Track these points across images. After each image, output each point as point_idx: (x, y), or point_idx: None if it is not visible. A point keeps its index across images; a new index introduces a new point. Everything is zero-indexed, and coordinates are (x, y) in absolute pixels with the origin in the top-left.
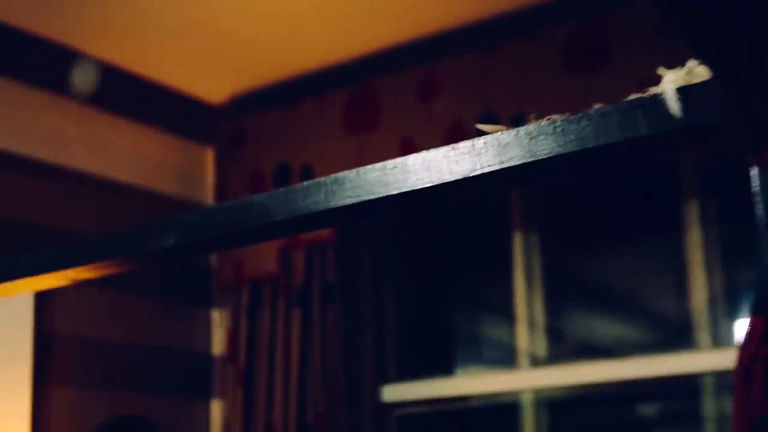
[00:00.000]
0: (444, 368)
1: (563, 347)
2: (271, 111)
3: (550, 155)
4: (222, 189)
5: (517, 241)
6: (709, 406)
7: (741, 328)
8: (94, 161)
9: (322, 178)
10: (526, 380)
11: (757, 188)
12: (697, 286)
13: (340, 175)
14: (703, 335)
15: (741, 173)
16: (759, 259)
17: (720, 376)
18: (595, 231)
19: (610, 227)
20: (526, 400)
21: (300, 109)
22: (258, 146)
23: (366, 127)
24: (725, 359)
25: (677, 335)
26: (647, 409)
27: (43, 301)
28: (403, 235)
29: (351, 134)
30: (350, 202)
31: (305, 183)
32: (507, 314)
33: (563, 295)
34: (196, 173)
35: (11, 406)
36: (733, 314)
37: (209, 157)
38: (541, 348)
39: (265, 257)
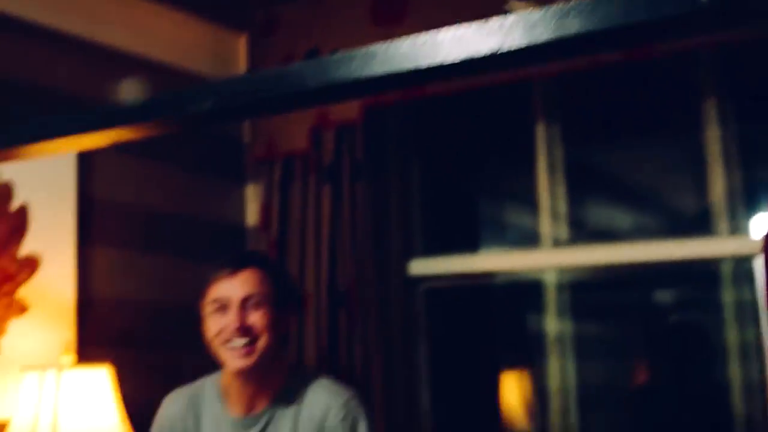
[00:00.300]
0: (469, 246)
1: (584, 232)
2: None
3: (578, 33)
4: None
5: (540, 131)
6: (727, 293)
7: (758, 220)
8: (132, 41)
9: (355, 50)
10: (548, 259)
11: None
12: (715, 180)
13: (372, 48)
14: (721, 223)
15: (760, 71)
16: None
17: (737, 262)
18: (616, 124)
19: (631, 121)
20: (549, 280)
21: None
22: (289, 34)
23: (394, 19)
24: (742, 246)
25: (696, 224)
26: (664, 295)
27: (84, 167)
28: (429, 121)
29: (380, 26)
30: (380, 74)
31: (338, 54)
32: (530, 201)
33: (584, 184)
34: (230, 59)
35: (58, 264)
36: (750, 207)
37: (243, 43)
38: (563, 232)
39: (296, 134)
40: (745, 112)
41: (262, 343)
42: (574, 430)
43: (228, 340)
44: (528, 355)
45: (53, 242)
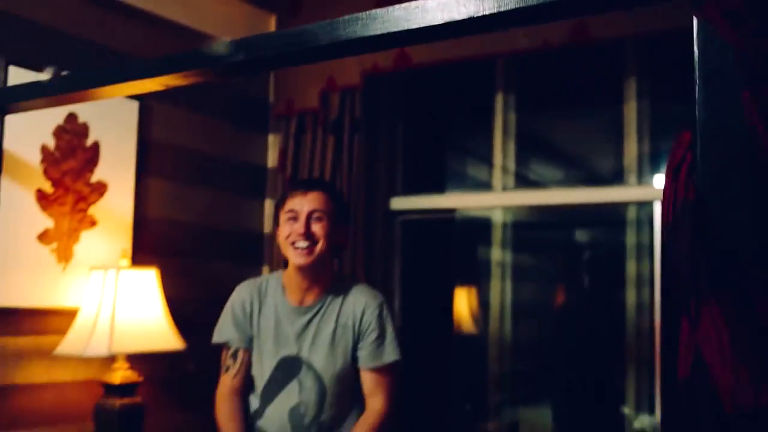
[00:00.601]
0: (437, 188)
1: (526, 183)
2: None
3: (538, 3)
4: None
5: (499, 100)
6: (630, 235)
7: (659, 178)
8: (185, 16)
9: (360, 13)
10: (497, 200)
11: (697, 37)
12: (630, 144)
13: (374, 11)
14: (631, 178)
15: (674, 59)
16: (694, 95)
17: (640, 206)
18: (557, 97)
19: (569, 95)
20: (496, 219)
21: None
22: (312, 15)
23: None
24: (646, 194)
25: (612, 179)
26: (582, 235)
27: (143, 115)
28: (414, 88)
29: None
30: (380, 33)
31: (346, 17)
32: (486, 156)
33: (529, 145)
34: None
35: (120, 189)
36: (654, 168)
37: (273, 22)
38: (510, 182)
39: (309, 96)
40: (658, 93)
41: (319, 247)
42: (508, 334)
43: (294, 242)
44: (476, 276)
45: (118, 172)
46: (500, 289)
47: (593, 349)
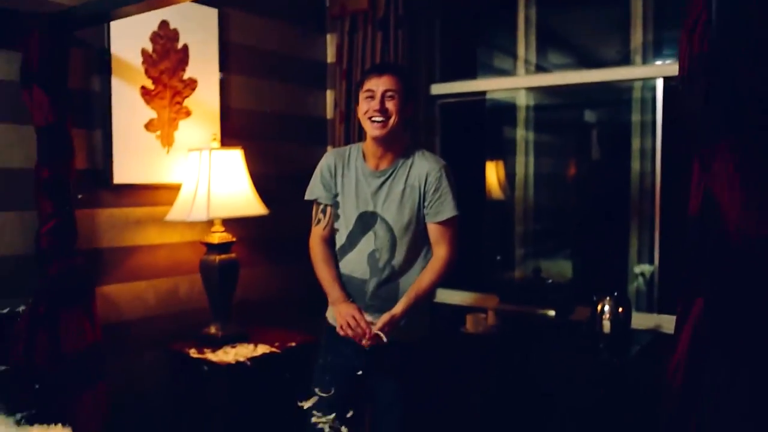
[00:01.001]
0: (470, 75)
1: (547, 67)
2: None
3: None
4: None
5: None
6: (635, 113)
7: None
8: None
9: None
10: (522, 81)
11: None
12: (636, 32)
13: None
14: (637, 60)
15: None
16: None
17: (646, 87)
18: None
19: None
20: (520, 102)
21: None
22: None
23: None
24: (649, 71)
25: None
26: (591, 115)
27: (223, 21)
28: None
29: None
30: None
31: None
32: (511, 50)
33: (548, 36)
34: None
35: (208, 84)
36: (657, 54)
37: None
38: (531, 70)
39: None
40: None
41: (392, 121)
42: (530, 198)
43: (371, 117)
44: (503, 151)
45: (205, 70)
46: (524, 162)
47: (602, 211)
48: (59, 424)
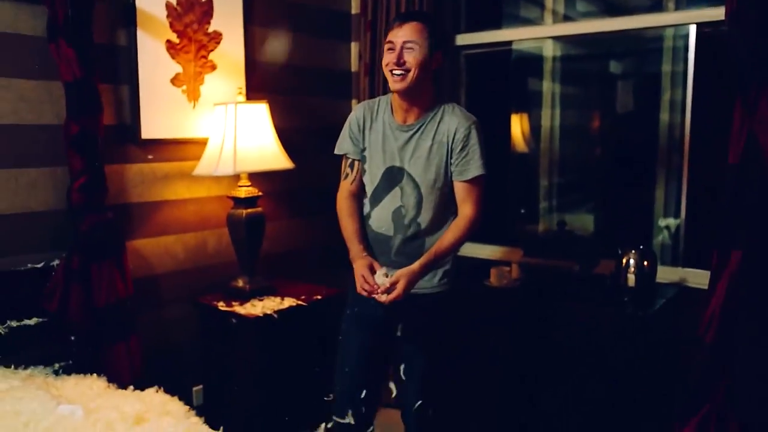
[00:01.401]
0: (495, 25)
1: (574, 16)
2: None
3: None
4: None
5: None
6: (666, 63)
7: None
8: None
9: None
10: (548, 30)
11: None
12: None
13: None
14: (670, 4)
15: None
16: None
17: (677, 30)
18: None
19: None
20: (546, 53)
21: None
22: None
23: None
24: (681, 17)
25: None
26: (617, 66)
27: None
28: None
29: None
30: None
31: None
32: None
33: None
34: None
35: (232, 38)
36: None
37: None
38: (560, 18)
39: None
40: None
41: (411, 74)
42: (556, 151)
43: (391, 70)
44: (527, 104)
45: (229, 23)
46: (549, 115)
47: (627, 164)
48: (94, 374)
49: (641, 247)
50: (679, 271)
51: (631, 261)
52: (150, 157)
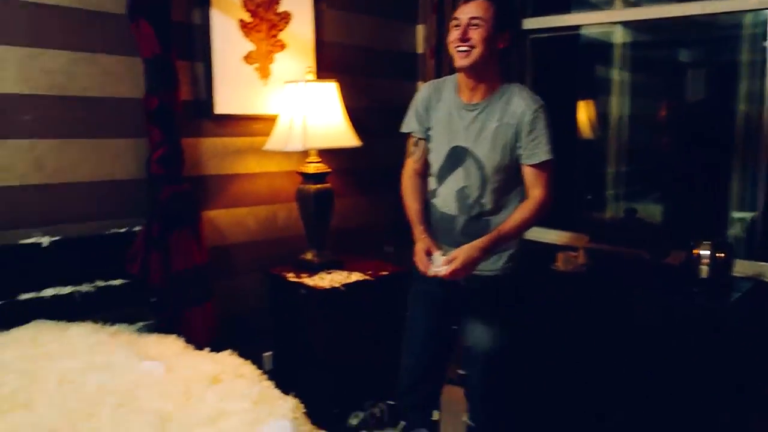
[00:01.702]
0: (563, 9)
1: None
2: None
3: None
4: None
5: None
6: (744, 52)
7: None
8: None
9: None
10: (619, 15)
11: None
12: None
13: None
14: None
15: None
16: None
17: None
18: None
19: None
20: (616, 39)
21: None
22: None
23: None
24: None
25: None
26: (691, 54)
27: None
28: None
29: None
30: None
31: None
32: None
33: None
34: None
35: (302, 18)
36: None
37: None
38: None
39: None
40: None
41: (476, 51)
42: (625, 137)
43: (456, 46)
44: (595, 91)
45: (298, 3)
46: (618, 103)
47: (699, 155)
48: (173, 335)
49: (717, 238)
50: (756, 265)
51: (705, 252)
52: (223, 131)
